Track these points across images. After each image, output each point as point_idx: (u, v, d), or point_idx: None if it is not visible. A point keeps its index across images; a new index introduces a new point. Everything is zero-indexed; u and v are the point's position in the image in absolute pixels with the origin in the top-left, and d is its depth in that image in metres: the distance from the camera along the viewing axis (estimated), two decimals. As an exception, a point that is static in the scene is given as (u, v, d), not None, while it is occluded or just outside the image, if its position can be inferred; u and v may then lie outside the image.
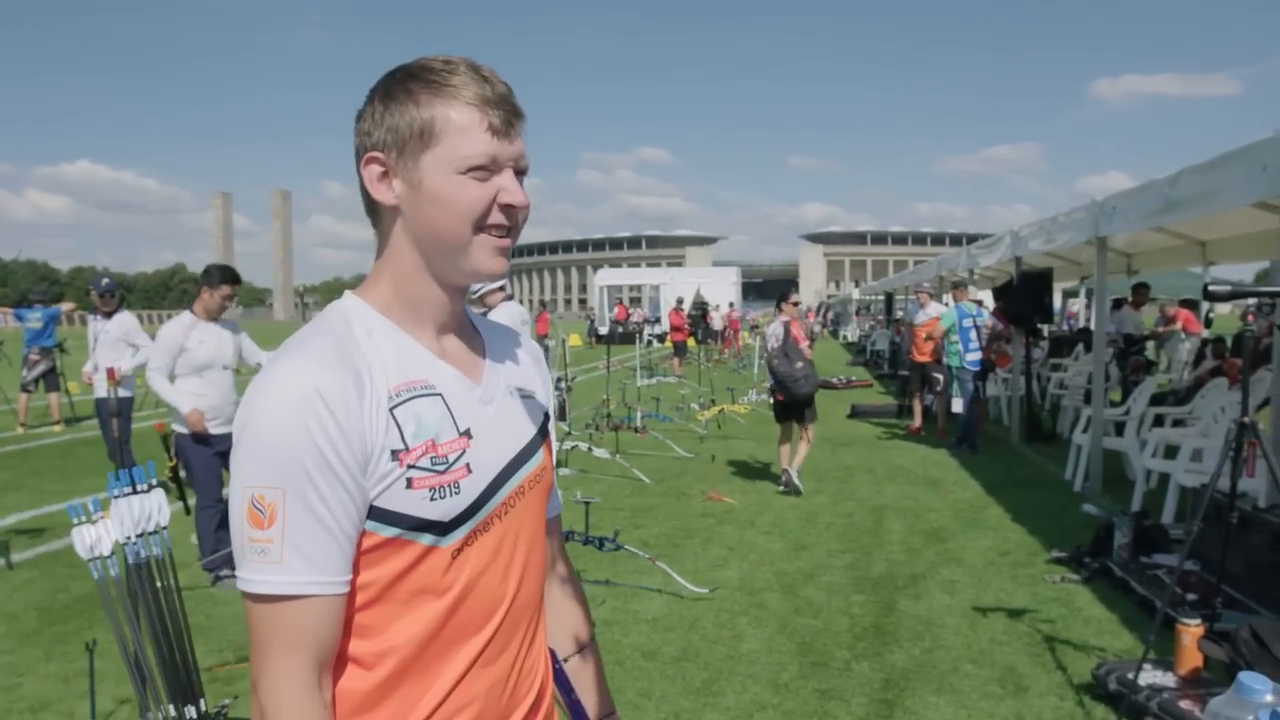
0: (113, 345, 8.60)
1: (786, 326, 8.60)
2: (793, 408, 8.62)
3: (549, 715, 1.37)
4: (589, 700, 1.48)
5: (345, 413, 1.09)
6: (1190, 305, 15.12)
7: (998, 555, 6.40)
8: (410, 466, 1.14)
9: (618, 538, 5.90)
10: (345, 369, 1.12)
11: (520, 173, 1.20)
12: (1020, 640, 4.81)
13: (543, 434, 1.35)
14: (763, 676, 4.41)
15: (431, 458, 1.15)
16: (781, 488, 8.61)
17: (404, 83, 1.17)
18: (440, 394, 1.19)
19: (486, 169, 1.15)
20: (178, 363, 5.67)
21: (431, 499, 1.14)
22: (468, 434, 1.20)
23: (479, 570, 1.20)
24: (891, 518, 7.57)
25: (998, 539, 6.83)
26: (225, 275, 5.77)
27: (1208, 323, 13.79)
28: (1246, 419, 3.79)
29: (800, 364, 8.44)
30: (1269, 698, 0.81)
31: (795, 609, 5.36)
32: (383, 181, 1.18)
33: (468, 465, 1.19)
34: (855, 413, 14.29)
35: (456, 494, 1.16)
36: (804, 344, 8.62)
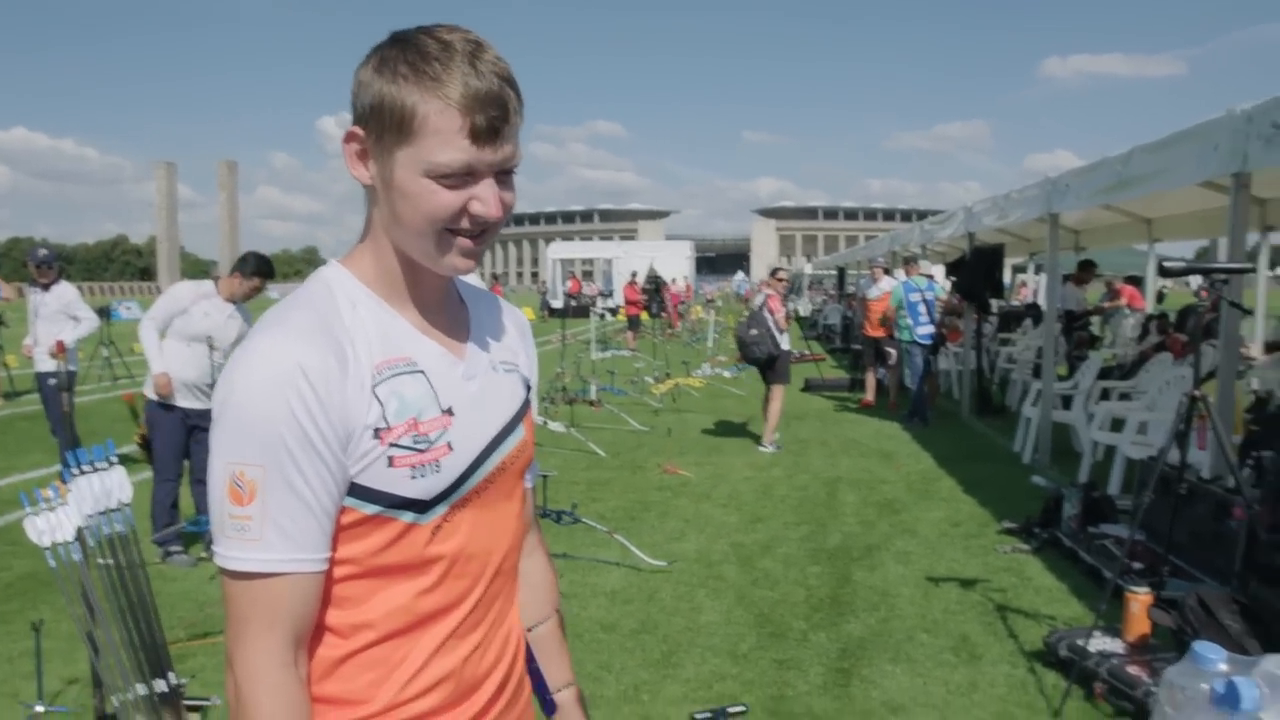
0: (52, 318, 8.35)
1: (766, 298, 9.40)
2: (760, 368, 9.45)
3: (520, 684, 1.36)
4: (551, 670, 1.48)
5: (328, 390, 1.07)
6: (1135, 281, 15.39)
7: (950, 526, 6.50)
8: (392, 445, 1.12)
9: (575, 511, 5.90)
10: (328, 345, 1.10)
11: (506, 172, 1.14)
12: (973, 609, 4.89)
13: (525, 408, 1.34)
14: (721, 648, 4.44)
15: (413, 436, 1.14)
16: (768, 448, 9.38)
17: (397, 59, 1.09)
18: (423, 371, 1.18)
19: (461, 176, 1.09)
20: (173, 324, 5.54)
21: (412, 477, 1.13)
22: (449, 412, 1.18)
23: (459, 546, 1.20)
24: (846, 490, 7.65)
25: (950, 510, 6.93)
26: (260, 268, 5.66)
27: (1160, 298, 14.04)
28: (1197, 392, 3.86)
29: (754, 331, 9.21)
30: (1223, 666, 0.82)
31: (752, 580, 5.40)
32: (360, 160, 1.14)
33: (449, 444, 1.17)
34: (809, 386, 14.40)
35: (437, 472, 1.15)
36: (778, 314, 9.28)
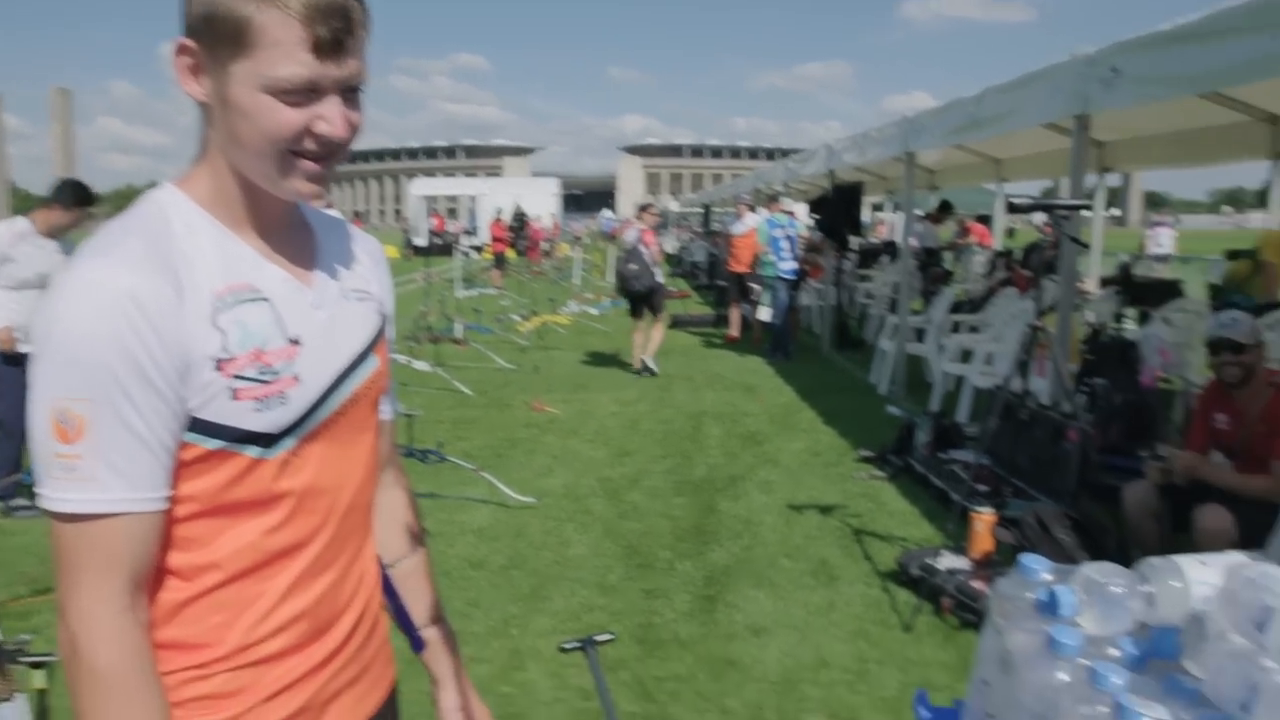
0: None
1: (640, 233, 9.80)
2: (635, 301, 9.94)
3: (376, 623, 1.33)
4: (416, 606, 1.45)
5: (162, 318, 1.00)
6: (984, 220, 16.05)
7: (810, 456, 6.71)
8: (235, 377, 1.06)
9: (441, 450, 5.83)
10: (161, 270, 1.02)
11: (353, 90, 1.07)
12: (832, 534, 5.08)
13: (379, 338, 1.28)
14: (590, 580, 4.50)
15: (258, 367, 1.08)
16: (637, 373, 9.96)
17: None
18: (267, 299, 1.11)
19: (303, 92, 1.02)
20: None
21: (257, 410, 1.08)
22: (296, 341, 1.13)
23: (308, 481, 1.15)
24: (710, 423, 7.79)
25: (810, 441, 7.16)
26: (81, 197, 5.25)
27: (1010, 233, 14.67)
28: (1038, 323, 4.07)
29: (633, 265, 9.68)
30: (1046, 576, 0.89)
31: (620, 514, 5.47)
32: (193, 75, 1.05)
33: (296, 375, 1.12)
34: (675, 323, 14.54)
35: (284, 405, 1.10)
36: (654, 248, 9.80)
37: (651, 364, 10.08)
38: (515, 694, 3.45)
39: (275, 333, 1.11)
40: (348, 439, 1.22)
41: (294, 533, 1.15)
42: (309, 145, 1.06)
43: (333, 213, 1.28)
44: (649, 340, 10.18)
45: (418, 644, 1.45)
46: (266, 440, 1.09)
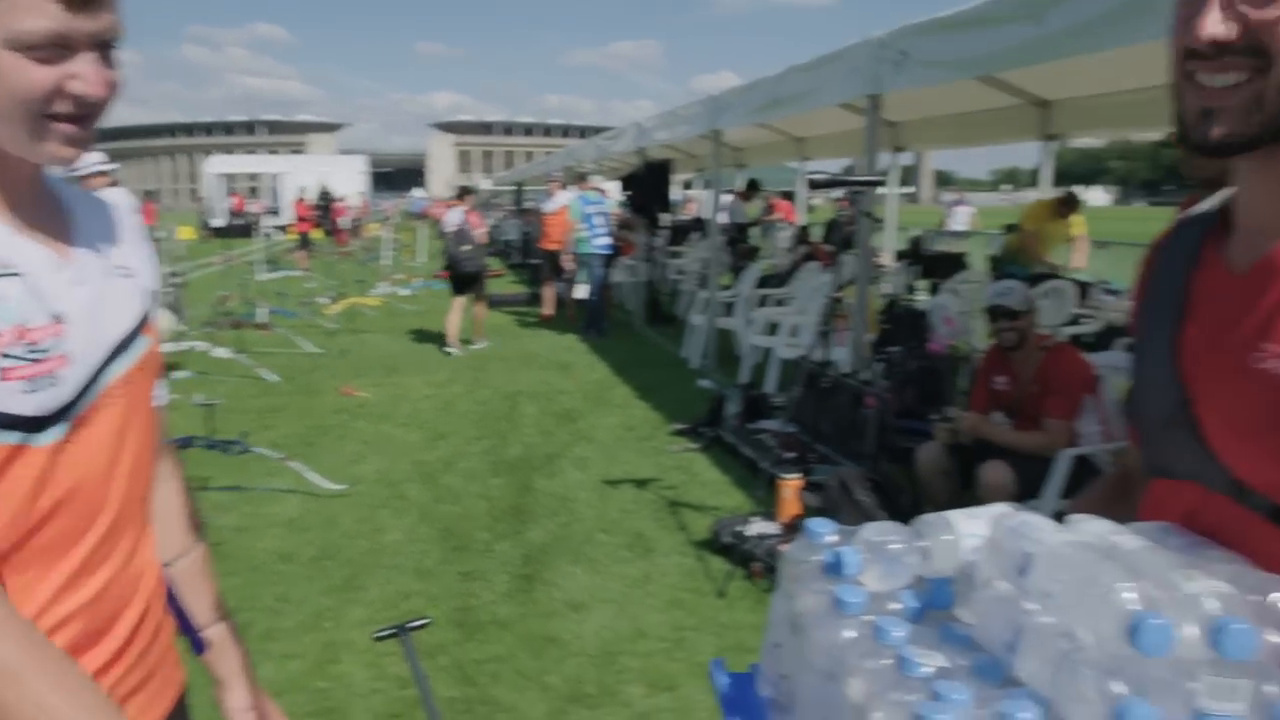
0: None
1: (465, 215, 10.09)
2: (462, 282, 10.11)
3: (160, 625, 1.25)
4: (197, 605, 1.36)
5: None
6: (788, 197, 16.62)
7: (625, 431, 6.80)
8: (2, 355, 0.97)
9: (246, 440, 5.56)
10: None
11: (106, 45, 0.99)
12: (647, 507, 5.17)
13: (148, 317, 1.20)
14: (406, 566, 4.41)
15: (25, 345, 0.99)
16: (452, 352, 10.08)
17: None
18: (21, 274, 1.01)
19: (53, 48, 0.94)
20: None
21: (26, 392, 0.98)
22: (60, 319, 1.04)
23: (80, 471, 1.06)
24: (526, 402, 7.77)
25: (625, 416, 7.25)
26: None
27: (810, 209, 15.27)
28: (838, 295, 4.25)
29: (465, 247, 9.95)
30: (831, 538, 0.94)
31: (435, 497, 5.38)
32: None
33: (65, 354, 1.03)
34: (489, 302, 14.37)
35: (55, 385, 1.01)
36: (480, 229, 10.23)
37: (482, 343, 10.55)
38: (331, 688, 3.34)
39: (36, 309, 1.01)
40: (122, 424, 1.13)
41: (65, 527, 1.06)
42: (63, 107, 0.98)
43: (119, 192, 1.18)
44: (474, 321, 10.56)
45: (199, 645, 1.37)
46: (33, 425, 1.00)
